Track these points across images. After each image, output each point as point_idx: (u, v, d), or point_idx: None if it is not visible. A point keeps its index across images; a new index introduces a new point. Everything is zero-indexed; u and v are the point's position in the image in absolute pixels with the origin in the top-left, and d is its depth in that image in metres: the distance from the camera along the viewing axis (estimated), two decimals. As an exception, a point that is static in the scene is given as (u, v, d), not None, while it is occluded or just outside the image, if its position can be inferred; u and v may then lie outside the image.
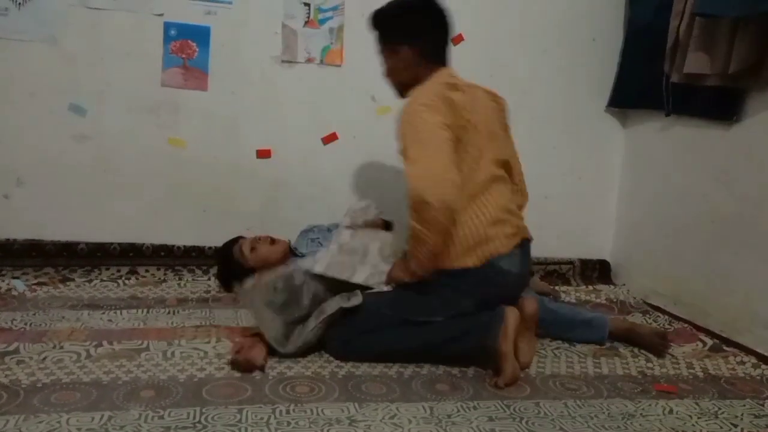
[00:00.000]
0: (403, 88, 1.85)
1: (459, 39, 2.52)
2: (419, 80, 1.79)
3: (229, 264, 2.13)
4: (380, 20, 1.87)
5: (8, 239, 2.37)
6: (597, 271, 2.82)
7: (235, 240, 2.17)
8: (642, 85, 2.52)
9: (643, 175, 2.66)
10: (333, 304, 1.78)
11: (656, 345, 1.98)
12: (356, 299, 1.77)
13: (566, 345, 2.01)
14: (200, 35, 2.42)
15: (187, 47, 2.42)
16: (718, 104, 2.19)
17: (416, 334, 1.75)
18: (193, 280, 2.45)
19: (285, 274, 1.86)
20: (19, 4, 2.31)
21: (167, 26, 2.39)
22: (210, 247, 2.49)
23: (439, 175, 1.60)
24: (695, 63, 2.17)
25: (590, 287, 2.70)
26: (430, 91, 1.72)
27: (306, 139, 2.57)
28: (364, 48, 2.50)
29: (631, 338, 2.03)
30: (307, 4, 2.48)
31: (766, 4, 1.85)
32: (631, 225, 2.73)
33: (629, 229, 2.75)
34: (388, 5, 1.86)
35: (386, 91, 2.53)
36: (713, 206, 2.25)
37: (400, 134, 1.69)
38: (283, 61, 2.50)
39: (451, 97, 1.70)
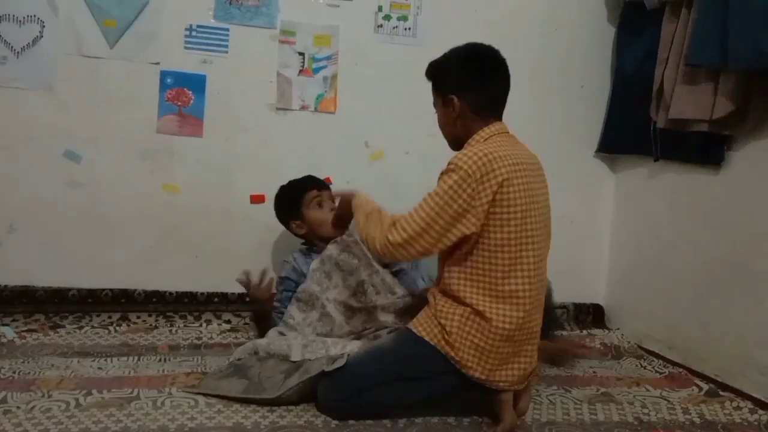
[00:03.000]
0: (454, 140, 1.81)
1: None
2: (470, 134, 1.75)
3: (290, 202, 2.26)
4: (431, 71, 1.82)
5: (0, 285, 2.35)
6: (591, 315, 2.81)
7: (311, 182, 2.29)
8: (630, 130, 2.57)
9: (634, 219, 2.68)
10: (317, 365, 1.73)
11: (557, 359, 2.05)
12: (340, 360, 1.72)
13: (561, 391, 1.99)
14: (196, 83, 2.46)
15: (183, 95, 2.45)
16: (705, 149, 2.23)
17: (417, 389, 1.70)
18: (184, 326, 2.42)
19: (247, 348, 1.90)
20: (18, 52, 2.34)
21: (163, 74, 2.43)
22: (202, 293, 2.48)
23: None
24: (680, 109, 2.22)
25: (584, 331, 2.69)
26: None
27: (300, 185, 2.59)
28: (357, 96, 2.59)
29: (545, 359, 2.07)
30: (301, 54, 2.53)
31: (751, 58, 1.92)
32: (624, 269, 2.74)
33: (622, 273, 2.75)
34: (443, 56, 1.80)
35: (379, 137, 2.63)
36: (704, 251, 2.26)
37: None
38: (277, 109, 2.54)
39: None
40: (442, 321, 1.67)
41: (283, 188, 2.34)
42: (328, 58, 2.55)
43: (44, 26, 2.35)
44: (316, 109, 2.58)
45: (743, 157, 2.13)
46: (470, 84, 1.74)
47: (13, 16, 2.33)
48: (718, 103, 2.08)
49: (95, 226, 2.43)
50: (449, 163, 1.65)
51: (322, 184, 2.33)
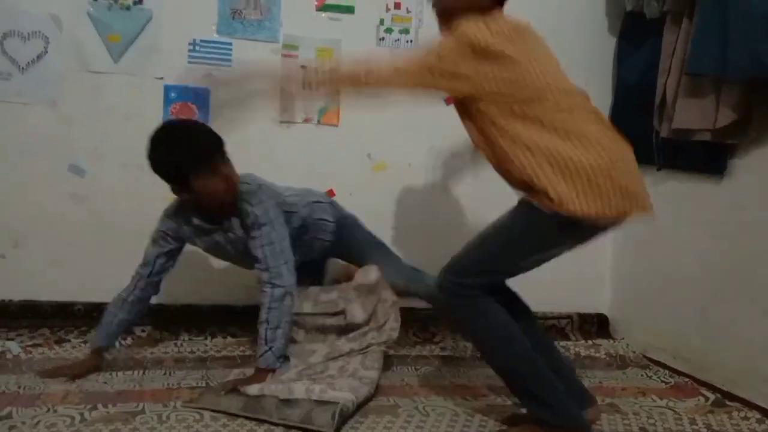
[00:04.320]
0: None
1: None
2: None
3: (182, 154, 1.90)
4: None
5: (3, 300, 2.36)
6: (596, 325, 2.80)
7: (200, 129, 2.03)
8: (632, 140, 2.56)
9: (637, 228, 2.66)
10: (322, 419, 1.65)
11: None
12: (363, 389, 1.80)
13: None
14: (200, 97, 2.48)
15: (187, 109, 2.47)
16: (708, 159, 2.24)
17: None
18: (189, 339, 2.42)
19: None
20: (23, 68, 2.37)
21: (167, 89, 2.45)
22: (207, 306, 2.49)
23: None
24: (683, 118, 2.23)
25: (589, 342, 2.68)
26: None
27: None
28: (359, 108, 2.60)
29: None
30: (304, 67, 2.54)
31: (752, 68, 1.93)
32: (628, 278, 2.74)
33: (626, 283, 2.75)
34: None
35: (381, 149, 2.64)
36: (709, 260, 2.26)
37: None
38: (281, 122, 2.56)
39: None
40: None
41: (190, 129, 2.05)
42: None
43: (49, 42, 2.38)
44: (319, 122, 2.59)
45: (747, 166, 2.14)
46: None
47: (18, 32, 2.36)
48: (721, 113, 2.08)
49: (100, 240, 2.44)
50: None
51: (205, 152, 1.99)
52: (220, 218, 2.05)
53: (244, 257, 2.07)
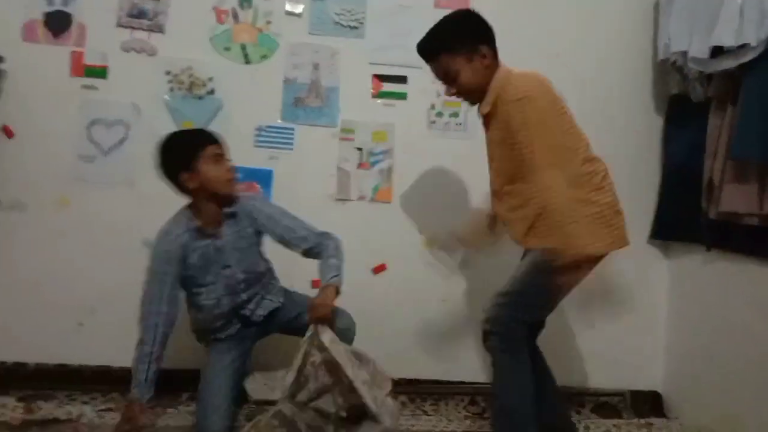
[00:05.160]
0: (483, 93, 1.98)
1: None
2: (488, 84, 1.96)
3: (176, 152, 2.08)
4: (440, 39, 1.96)
5: (81, 365, 2.54)
6: (649, 403, 2.77)
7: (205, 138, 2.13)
8: (681, 219, 2.60)
9: (689, 306, 2.67)
10: None
11: None
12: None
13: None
14: (264, 177, 2.67)
15: (252, 188, 2.65)
16: (756, 241, 2.24)
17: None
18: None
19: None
20: (105, 152, 2.61)
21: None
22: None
23: None
24: (730, 202, 2.25)
25: (642, 421, 2.65)
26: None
27: (357, 271, 2.71)
28: (410, 186, 2.73)
29: None
30: (360, 149, 2.71)
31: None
32: (682, 356, 2.71)
33: (680, 361, 2.73)
34: (445, 24, 1.98)
35: (431, 225, 2.74)
36: (761, 342, 2.24)
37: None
38: (337, 199, 2.71)
39: None
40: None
41: (174, 135, 2.17)
42: (385, 152, 2.72)
43: (129, 128, 2.61)
44: (372, 199, 2.73)
45: (796, 250, 2.14)
46: (490, 32, 1.96)
47: (104, 119, 2.61)
48: (766, 198, 2.11)
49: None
50: (509, 102, 1.89)
51: (219, 140, 2.16)
52: (217, 222, 2.16)
53: (242, 257, 2.20)
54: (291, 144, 2.68)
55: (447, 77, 1.97)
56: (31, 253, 2.58)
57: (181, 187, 2.12)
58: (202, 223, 2.14)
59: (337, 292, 2.14)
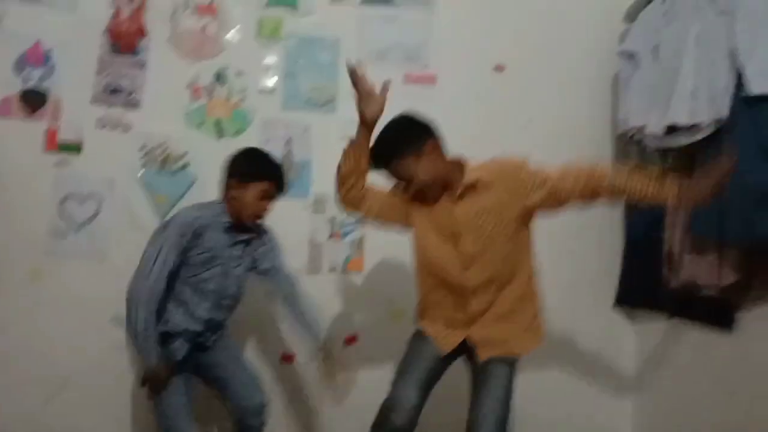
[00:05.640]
0: (442, 184, 1.99)
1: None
2: (449, 172, 1.99)
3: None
4: (395, 144, 1.97)
5: (46, 443, 2.50)
6: (619, 470, 2.78)
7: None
8: (644, 287, 2.66)
9: (656, 374, 2.71)
10: None
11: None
12: None
13: None
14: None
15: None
16: (716, 313, 2.30)
17: None
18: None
19: None
20: (77, 227, 2.61)
21: (206, 242, 2.67)
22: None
23: None
24: (690, 273, 2.32)
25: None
26: None
27: (328, 342, 2.72)
28: (382, 256, 2.76)
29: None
30: (331, 220, 2.75)
31: (746, 237, 2.05)
32: (649, 422, 2.73)
33: (646, 428, 2.74)
34: (390, 130, 2.00)
35: (402, 295, 2.76)
36: (722, 416, 2.27)
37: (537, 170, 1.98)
38: (308, 272, 2.73)
39: None
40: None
41: (260, 154, 2.27)
42: (356, 222, 2.77)
43: (102, 202, 2.63)
44: (344, 270, 2.76)
45: (751, 325, 2.20)
46: (432, 128, 2.00)
47: (77, 194, 2.63)
48: (724, 272, 2.18)
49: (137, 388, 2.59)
50: (518, 167, 1.99)
51: (281, 183, 2.23)
52: (241, 233, 2.23)
53: (241, 278, 2.26)
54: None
55: (404, 179, 2.00)
56: (1, 327, 2.55)
57: (225, 186, 2.21)
58: (234, 222, 2.20)
59: None
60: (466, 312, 2.02)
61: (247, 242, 2.26)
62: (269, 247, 2.36)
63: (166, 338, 2.14)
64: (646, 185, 1.86)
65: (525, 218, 2.01)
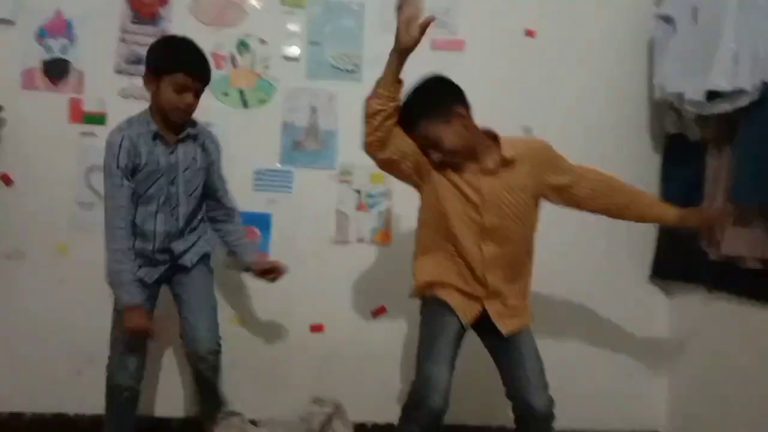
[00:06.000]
0: (469, 152, 1.95)
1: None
2: (480, 140, 1.96)
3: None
4: (426, 94, 1.94)
5: (77, 414, 2.52)
6: (652, 444, 2.75)
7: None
8: (681, 259, 2.59)
9: (692, 347, 2.66)
10: None
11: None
12: None
13: None
14: (263, 222, 2.67)
15: (251, 232, 2.64)
16: (758, 284, 2.23)
17: None
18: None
19: None
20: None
21: (233, 215, 2.65)
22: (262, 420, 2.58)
23: None
24: (732, 245, 2.25)
25: (646, 462, 2.63)
26: None
27: (357, 313, 2.71)
28: (410, 228, 2.71)
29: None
30: (358, 191, 2.71)
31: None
32: (684, 397, 2.69)
33: (682, 402, 2.70)
34: (421, 91, 1.95)
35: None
36: (762, 385, 2.22)
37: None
38: (336, 242, 2.70)
39: None
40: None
41: (166, 42, 2.16)
42: (383, 194, 2.72)
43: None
44: (371, 241, 2.72)
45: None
46: (463, 95, 1.96)
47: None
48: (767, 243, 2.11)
49: (168, 359, 2.60)
50: (546, 148, 2.04)
51: (197, 71, 2.06)
52: (174, 135, 2.10)
53: (190, 180, 2.15)
54: (290, 187, 2.68)
55: (431, 145, 1.93)
56: (29, 302, 2.57)
57: (144, 82, 2.07)
58: (160, 129, 2.07)
59: None
60: (480, 285, 1.99)
61: (189, 141, 2.14)
62: (207, 153, 2.21)
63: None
64: (650, 206, 2.10)
65: (540, 198, 2.03)
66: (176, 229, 2.15)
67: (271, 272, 2.29)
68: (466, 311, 2.00)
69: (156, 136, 2.06)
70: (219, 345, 2.24)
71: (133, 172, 2.04)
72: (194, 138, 2.16)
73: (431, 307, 2.04)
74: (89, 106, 2.61)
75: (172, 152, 2.10)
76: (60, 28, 2.62)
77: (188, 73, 2.01)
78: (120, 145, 2.00)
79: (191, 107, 2.07)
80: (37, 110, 2.59)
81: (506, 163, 1.94)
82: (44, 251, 2.57)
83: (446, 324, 1.98)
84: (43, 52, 2.60)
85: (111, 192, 2.02)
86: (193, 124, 2.16)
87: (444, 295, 2.02)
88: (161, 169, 2.08)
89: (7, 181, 2.58)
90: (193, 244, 2.22)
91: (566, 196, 2.05)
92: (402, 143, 1.94)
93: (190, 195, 2.16)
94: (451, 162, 1.95)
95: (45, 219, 2.57)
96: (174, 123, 2.08)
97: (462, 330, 2.00)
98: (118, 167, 2.00)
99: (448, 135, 1.90)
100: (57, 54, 2.62)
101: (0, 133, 2.57)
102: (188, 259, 2.20)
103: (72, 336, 2.56)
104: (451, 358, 1.94)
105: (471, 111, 1.97)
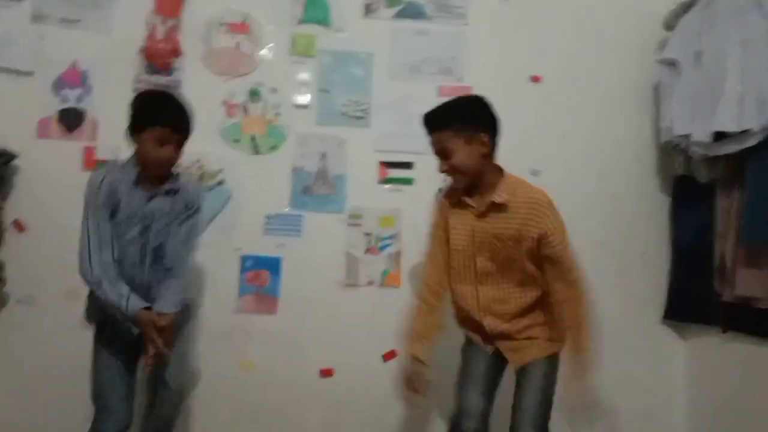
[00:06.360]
0: (472, 178, 1.97)
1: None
2: (487, 174, 1.97)
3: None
4: (455, 112, 1.98)
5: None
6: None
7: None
8: (694, 300, 2.57)
9: (709, 390, 2.60)
10: None
11: None
12: None
13: None
14: (272, 265, 2.67)
15: (261, 276, 2.64)
16: (774, 326, 2.22)
17: None
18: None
19: None
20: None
21: (243, 258, 2.66)
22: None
23: None
24: (745, 286, 2.23)
25: None
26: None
27: (367, 357, 2.68)
28: (419, 270, 2.70)
29: None
30: (368, 234, 2.72)
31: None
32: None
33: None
34: (461, 101, 2.05)
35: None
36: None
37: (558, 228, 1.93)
38: (346, 285, 2.70)
39: None
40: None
41: (141, 98, 2.13)
42: (392, 237, 2.73)
43: (140, 220, 2.63)
44: (381, 284, 2.72)
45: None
46: (495, 124, 1.98)
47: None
48: (781, 283, 2.10)
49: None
50: (542, 205, 1.94)
51: (176, 124, 2.04)
52: (156, 185, 2.08)
53: (163, 233, 2.09)
54: (299, 231, 2.70)
55: (443, 153, 1.98)
56: (39, 347, 2.56)
57: (126, 135, 2.07)
58: (143, 175, 2.06)
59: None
60: (483, 328, 2.05)
61: (169, 195, 2.11)
62: (186, 209, 2.15)
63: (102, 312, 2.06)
64: (571, 323, 1.99)
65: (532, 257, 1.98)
66: (142, 281, 2.09)
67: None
68: (484, 344, 2.09)
69: (138, 182, 2.06)
70: (184, 385, 2.22)
71: (112, 214, 2.03)
72: (174, 192, 2.13)
73: (465, 341, 2.17)
74: (102, 154, 2.65)
75: (149, 201, 2.08)
76: (76, 78, 2.70)
77: (166, 125, 2.02)
78: (100, 185, 2.01)
79: (172, 159, 2.06)
80: (51, 158, 2.64)
81: (497, 207, 1.95)
82: (55, 297, 2.57)
83: (474, 355, 2.10)
84: (58, 102, 2.67)
85: (96, 224, 2.01)
86: (176, 178, 2.15)
87: (465, 329, 2.15)
88: (140, 216, 2.06)
89: (20, 227, 2.60)
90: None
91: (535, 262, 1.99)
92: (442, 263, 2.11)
93: (156, 247, 2.11)
94: (453, 177, 2.01)
95: (56, 265, 2.57)
96: (156, 176, 2.08)
97: (498, 357, 2.07)
98: (102, 204, 2.00)
99: (462, 153, 1.94)
100: (72, 103, 2.68)
101: (13, 180, 2.61)
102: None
103: (82, 382, 2.52)
104: (485, 386, 2.05)
105: (496, 145, 2.00)
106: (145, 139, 2.01)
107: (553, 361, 2.04)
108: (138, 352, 2.12)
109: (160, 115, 2.03)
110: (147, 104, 2.08)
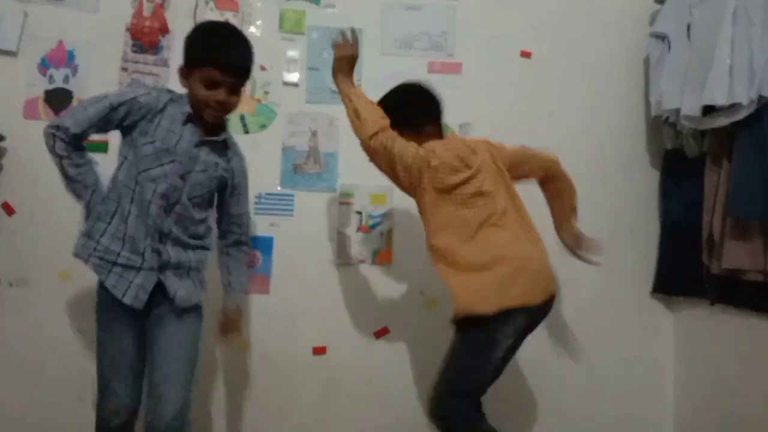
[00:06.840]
0: None
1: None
2: None
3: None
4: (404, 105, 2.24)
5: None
6: (660, 464, 2.72)
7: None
8: (683, 273, 2.60)
9: (697, 363, 2.64)
10: None
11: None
12: None
13: None
14: (265, 245, 2.67)
15: (253, 256, 2.64)
16: (761, 296, 2.23)
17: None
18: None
19: None
20: (107, 225, 2.60)
21: (234, 238, 2.65)
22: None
23: None
24: (733, 258, 2.25)
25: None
26: None
27: (360, 335, 2.70)
28: (411, 248, 2.73)
29: None
30: (359, 213, 2.72)
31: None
32: (691, 416, 2.66)
33: (690, 421, 2.68)
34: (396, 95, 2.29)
35: (433, 285, 2.73)
36: (769, 399, 2.21)
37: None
38: (338, 264, 2.70)
39: None
40: None
41: (205, 30, 1.98)
42: (384, 215, 2.73)
43: (131, 200, 2.62)
44: (373, 263, 2.72)
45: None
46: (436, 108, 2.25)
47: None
48: (769, 256, 2.11)
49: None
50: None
51: (224, 65, 1.84)
52: (204, 134, 1.92)
53: (198, 186, 1.92)
54: (291, 210, 2.69)
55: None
56: (32, 329, 2.56)
57: (179, 76, 1.93)
58: (195, 116, 1.89)
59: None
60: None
61: (212, 146, 1.94)
62: (236, 174, 2.03)
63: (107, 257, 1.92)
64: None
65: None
66: (167, 230, 1.89)
67: (228, 330, 2.10)
68: None
69: (188, 120, 1.89)
70: (183, 422, 1.89)
71: (128, 127, 1.87)
72: (223, 146, 1.98)
73: None
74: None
75: (196, 145, 1.90)
76: (62, 58, 2.66)
77: (217, 66, 1.83)
78: (136, 97, 1.86)
79: (225, 104, 1.88)
80: (38, 139, 2.57)
81: None
82: (47, 278, 2.56)
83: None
84: (45, 82, 2.63)
85: (90, 101, 1.91)
86: (229, 134, 2.01)
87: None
88: (176, 155, 1.87)
89: (9, 210, 2.59)
90: (188, 271, 1.95)
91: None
92: None
93: (192, 199, 1.93)
94: None
95: (47, 246, 2.57)
96: (207, 122, 1.91)
97: None
98: (116, 102, 1.86)
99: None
100: (59, 84, 2.65)
101: (1, 162, 2.59)
102: (181, 298, 1.92)
103: (75, 362, 2.54)
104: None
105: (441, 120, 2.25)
106: (195, 81, 1.85)
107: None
108: (143, 331, 1.94)
109: (211, 54, 1.84)
110: (199, 40, 1.90)
